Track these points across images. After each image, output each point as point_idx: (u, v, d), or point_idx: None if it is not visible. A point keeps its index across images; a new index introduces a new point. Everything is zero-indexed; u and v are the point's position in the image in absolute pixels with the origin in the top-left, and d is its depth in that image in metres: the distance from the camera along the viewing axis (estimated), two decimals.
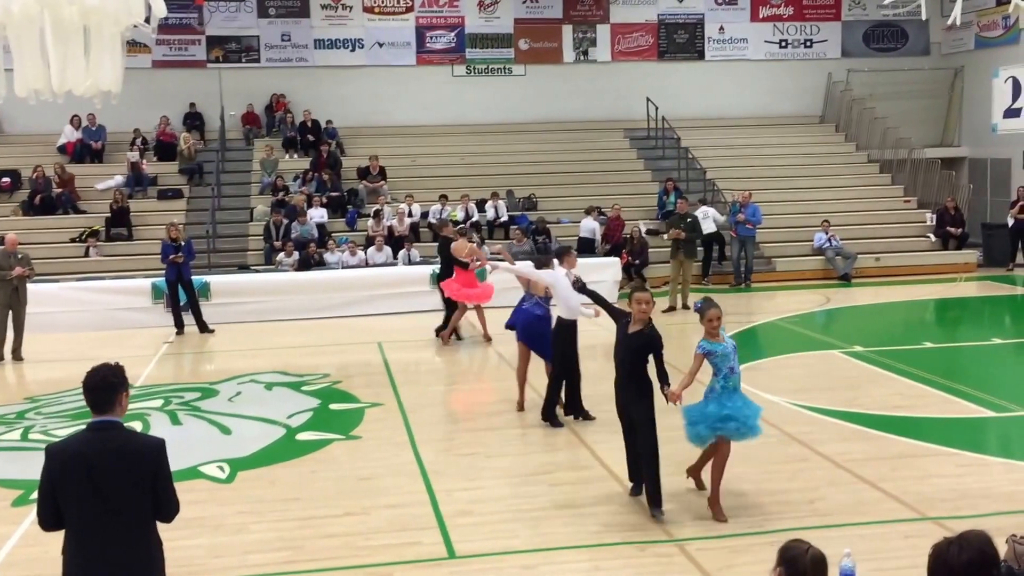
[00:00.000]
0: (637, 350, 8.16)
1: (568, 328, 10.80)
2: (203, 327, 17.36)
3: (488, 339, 15.68)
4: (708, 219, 21.54)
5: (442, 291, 16.10)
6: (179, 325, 17.38)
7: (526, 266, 12.57)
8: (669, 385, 8.04)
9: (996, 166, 26.88)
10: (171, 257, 17.12)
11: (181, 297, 17.42)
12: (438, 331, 15.95)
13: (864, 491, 8.58)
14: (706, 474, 8.43)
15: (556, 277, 10.95)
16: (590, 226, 22.28)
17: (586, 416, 10.97)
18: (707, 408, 8.07)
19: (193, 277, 17.63)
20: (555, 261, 11.32)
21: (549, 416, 10.91)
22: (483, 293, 15.83)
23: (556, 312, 11.01)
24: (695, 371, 8.14)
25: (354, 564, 7.42)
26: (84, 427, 4.84)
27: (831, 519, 7.95)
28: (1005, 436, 10.77)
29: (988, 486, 8.70)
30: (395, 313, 16.13)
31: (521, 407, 11.53)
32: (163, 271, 17.52)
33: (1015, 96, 25.55)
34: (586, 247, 21.61)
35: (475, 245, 16.02)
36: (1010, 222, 23.20)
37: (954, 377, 12.69)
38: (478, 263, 14.66)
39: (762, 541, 7.33)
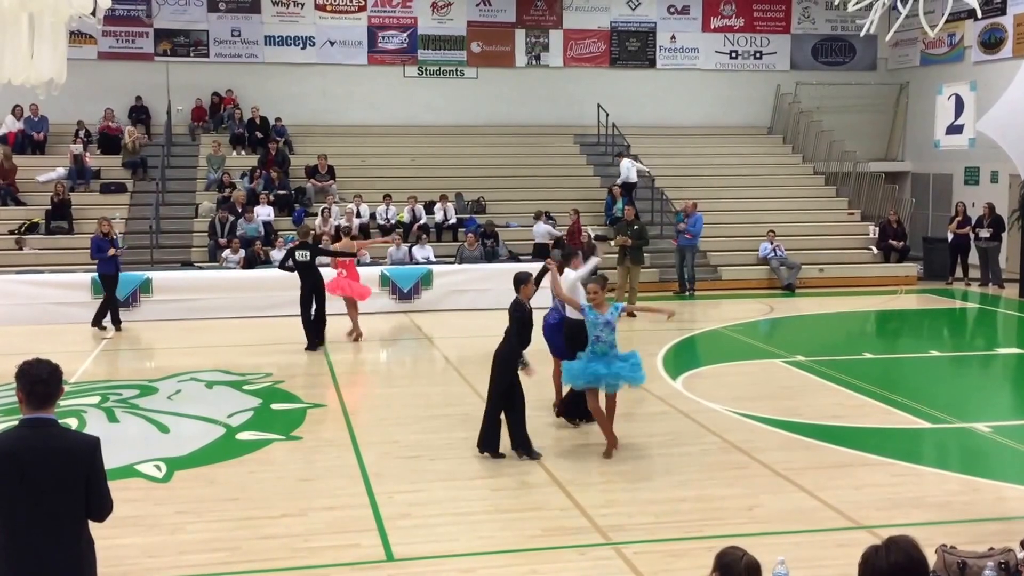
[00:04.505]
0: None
1: (577, 327, 10.53)
2: (108, 322, 17.06)
3: (359, 336, 16.07)
4: (632, 169, 23.87)
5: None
6: (116, 321, 17.12)
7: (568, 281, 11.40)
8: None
9: (938, 181, 27.35)
10: (110, 252, 16.89)
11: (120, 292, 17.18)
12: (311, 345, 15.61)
13: (801, 499, 8.68)
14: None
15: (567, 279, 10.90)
16: (543, 230, 22.15)
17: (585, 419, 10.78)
18: (574, 365, 9.78)
19: (134, 273, 17.39)
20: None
21: (579, 414, 10.79)
22: (365, 291, 16.45)
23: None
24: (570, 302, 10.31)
25: (292, 566, 7.35)
26: (16, 423, 4.74)
27: (768, 526, 8.04)
28: (939, 447, 10.94)
29: (920, 495, 8.83)
30: (340, 314, 16.05)
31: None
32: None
33: (958, 113, 26.05)
34: (543, 253, 21.51)
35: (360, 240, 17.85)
36: (950, 237, 23.64)
37: (893, 388, 12.85)
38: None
39: (700, 546, 7.38)
